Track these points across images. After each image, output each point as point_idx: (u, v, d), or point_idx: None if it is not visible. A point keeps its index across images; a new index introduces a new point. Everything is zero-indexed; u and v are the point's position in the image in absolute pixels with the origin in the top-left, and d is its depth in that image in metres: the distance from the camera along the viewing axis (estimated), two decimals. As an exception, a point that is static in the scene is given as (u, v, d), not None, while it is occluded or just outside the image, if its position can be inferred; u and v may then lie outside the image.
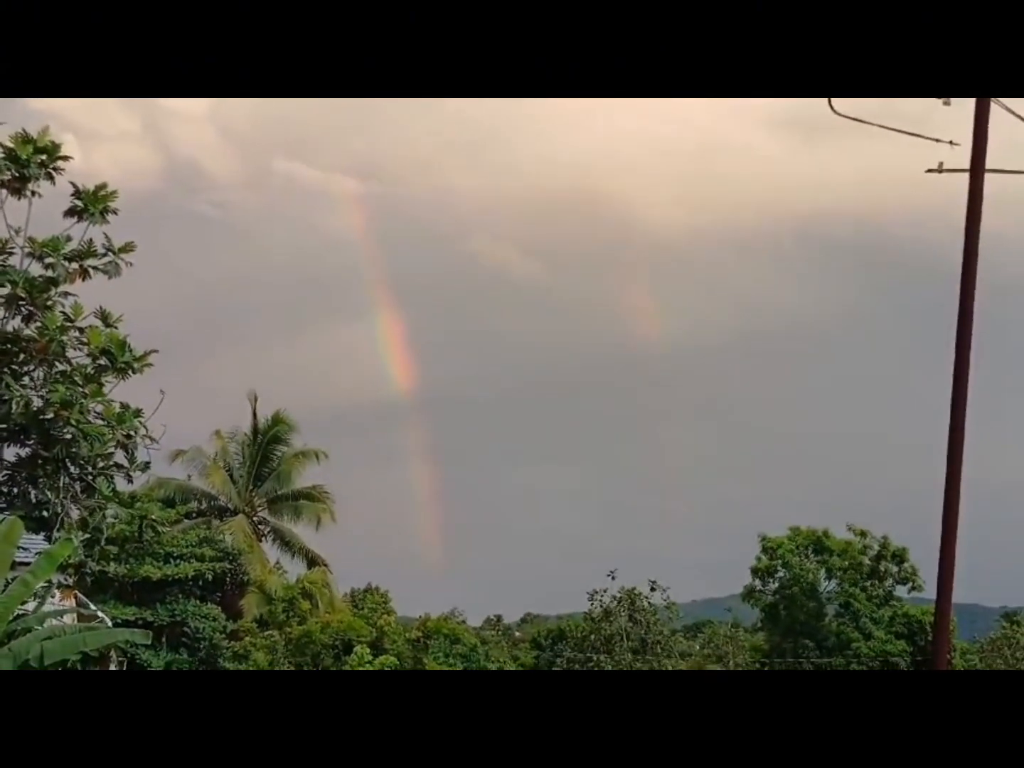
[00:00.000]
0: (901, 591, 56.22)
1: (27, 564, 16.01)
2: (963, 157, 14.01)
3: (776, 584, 55.88)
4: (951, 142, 14.04)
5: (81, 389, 16.33)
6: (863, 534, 56.01)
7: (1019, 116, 13.67)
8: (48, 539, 16.85)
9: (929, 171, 14.32)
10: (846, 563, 55.23)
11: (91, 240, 16.59)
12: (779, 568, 55.65)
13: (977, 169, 13.79)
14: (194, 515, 54.12)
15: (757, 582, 56.28)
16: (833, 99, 14.73)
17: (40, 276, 16.32)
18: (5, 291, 16.21)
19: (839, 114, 13.56)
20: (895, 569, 55.53)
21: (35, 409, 16.31)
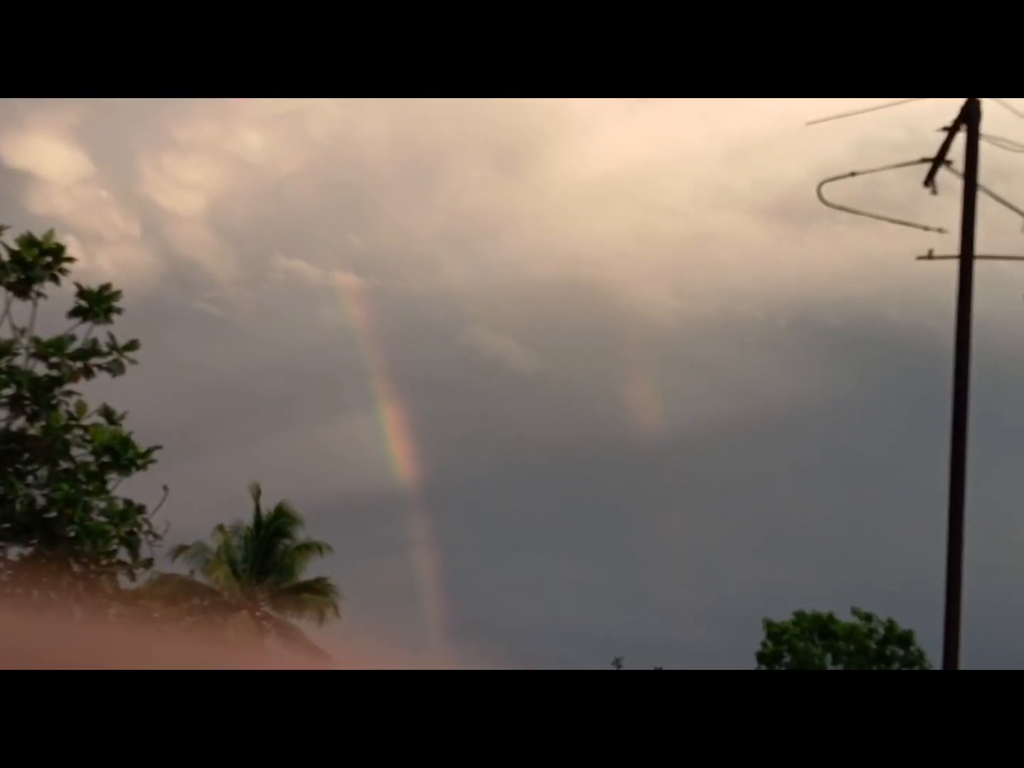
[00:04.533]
0: (909, 675, 55.82)
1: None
2: (952, 243, 14.25)
3: (783, 670, 55.43)
4: (939, 229, 14.28)
5: (85, 487, 16.40)
6: (868, 617, 55.62)
7: (1006, 202, 13.94)
8: (52, 638, 16.83)
9: (920, 258, 14.54)
10: (852, 647, 54.80)
11: (95, 339, 16.74)
12: (785, 653, 55.21)
13: (967, 255, 14.01)
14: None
15: (763, 668, 55.82)
16: (823, 187, 14.93)
17: (45, 376, 16.47)
18: (10, 391, 16.33)
19: (828, 203, 13.82)
20: (901, 652, 55.08)
21: (39, 508, 16.36)
